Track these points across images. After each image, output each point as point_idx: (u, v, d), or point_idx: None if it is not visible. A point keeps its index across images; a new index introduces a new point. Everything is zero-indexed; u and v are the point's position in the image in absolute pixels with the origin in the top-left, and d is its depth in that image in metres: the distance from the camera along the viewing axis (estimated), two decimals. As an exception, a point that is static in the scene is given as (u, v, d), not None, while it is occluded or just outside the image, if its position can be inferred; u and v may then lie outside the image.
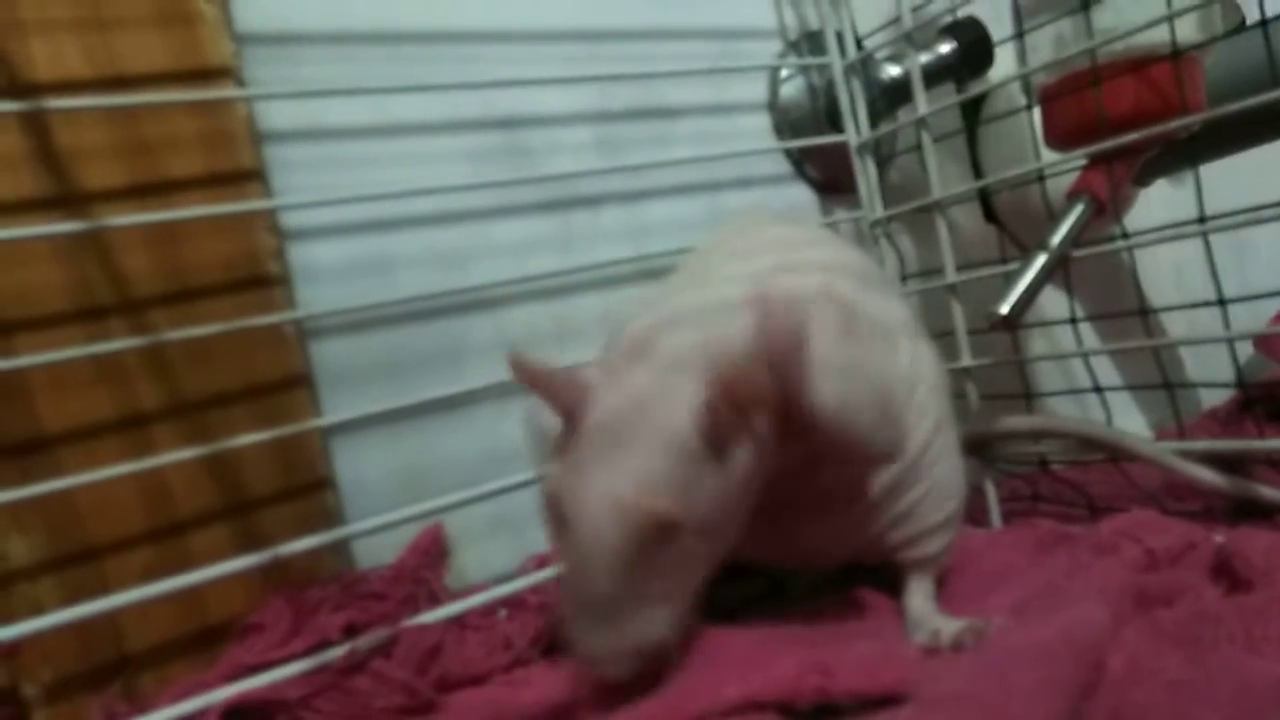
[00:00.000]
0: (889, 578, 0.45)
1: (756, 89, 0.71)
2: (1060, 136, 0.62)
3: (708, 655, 0.37)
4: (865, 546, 0.44)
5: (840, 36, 0.65)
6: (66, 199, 0.46)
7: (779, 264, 0.41)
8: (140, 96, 0.47)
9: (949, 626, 0.39)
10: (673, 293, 0.41)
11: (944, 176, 0.59)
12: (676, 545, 0.32)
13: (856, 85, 0.65)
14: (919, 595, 0.43)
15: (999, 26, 0.68)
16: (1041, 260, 0.56)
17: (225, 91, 0.50)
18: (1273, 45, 0.52)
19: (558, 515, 0.33)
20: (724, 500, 0.33)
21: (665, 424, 0.32)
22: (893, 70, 0.69)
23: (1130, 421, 0.81)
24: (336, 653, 0.41)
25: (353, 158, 0.55)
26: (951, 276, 0.59)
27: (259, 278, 0.50)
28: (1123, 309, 0.63)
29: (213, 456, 0.46)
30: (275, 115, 0.53)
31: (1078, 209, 0.58)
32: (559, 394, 0.33)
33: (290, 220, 0.53)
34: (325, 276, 0.53)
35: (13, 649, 0.43)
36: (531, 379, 0.33)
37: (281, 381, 0.51)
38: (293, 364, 0.51)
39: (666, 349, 0.34)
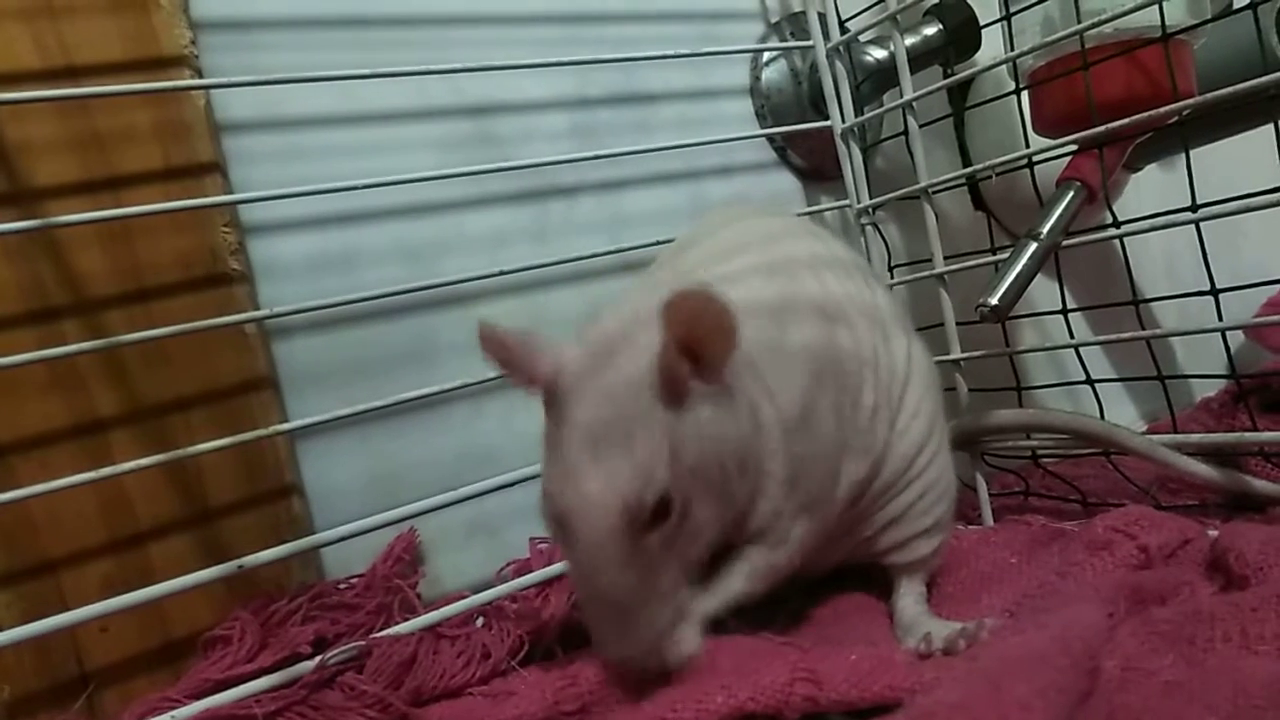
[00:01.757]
0: (879, 578, 0.45)
1: (738, 73, 0.70)
2: (1049, 122, 0.62)
3: (694, 664, 0.37)
4: (855, 549, 0.44)
5: (823, 18, 0.64)
6: (16, 196, 0.45)
7: (758, 263, 0.40)
8: (93, 87, 0.46)
9: (941, 630, 0.39)
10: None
11: (931, 163, 0.59)
12: (678, 520, 0.32)
13: (840, 69, 0.64)
14: (910, 597, 0.43)
15: (986, 8, 0.67)
16: (1031, 249, 0.55)
17: (182, 81, 0.49)
18: (1262, 28, 0.51)
19: (555, 519, 0.33)
20: (707, 449, 0.33)
21: (629, 373, 0.32)
22: (878, 53, 0.68)
23: (1122, 413, 0.80)
24: (306, 666, 0.41)
25: (316, 148, 0.54)
26: (940, 266, 0.58)
27: (219, 275, 0.50)
28: (1114, 298, 0.63)
29: (173, 464, 0.45)
30: (234, 105, 0.52)
31: (1068, 196, 0.58)
32: (523, 363, 0.33)
33: (251, 214, 0.52)
34: (288, 273, 0.52)
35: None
36: (497, 348, 0.34)
37: (244, 384, 0.50)
38: (255, 365, 0.50)
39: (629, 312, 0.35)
